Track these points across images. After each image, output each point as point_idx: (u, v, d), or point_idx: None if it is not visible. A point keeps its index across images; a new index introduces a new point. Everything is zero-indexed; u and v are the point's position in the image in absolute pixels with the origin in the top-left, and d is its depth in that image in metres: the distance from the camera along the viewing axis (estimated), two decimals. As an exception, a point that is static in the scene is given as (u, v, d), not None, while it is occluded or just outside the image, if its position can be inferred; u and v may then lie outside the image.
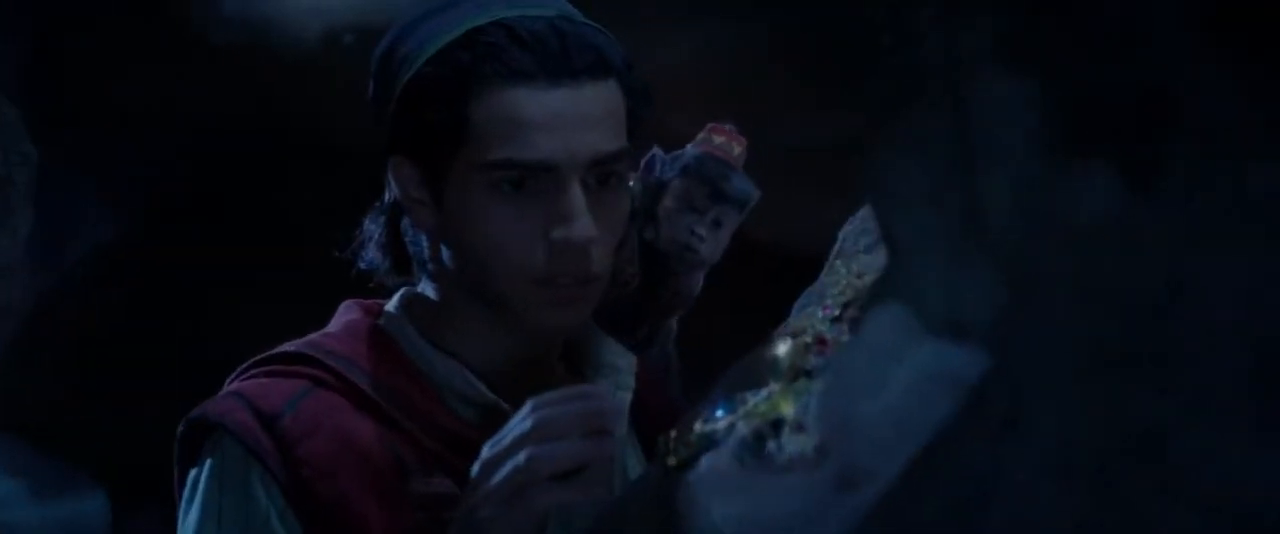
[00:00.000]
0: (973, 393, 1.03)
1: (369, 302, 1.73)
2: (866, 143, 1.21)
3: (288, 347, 1.64)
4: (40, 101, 3.68)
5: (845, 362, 1.26)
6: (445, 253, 1.62)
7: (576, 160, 1.53)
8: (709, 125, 1.85)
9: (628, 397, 1.71)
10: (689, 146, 1.87)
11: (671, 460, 1.48)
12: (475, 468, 1.47)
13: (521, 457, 1.42)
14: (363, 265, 1.71)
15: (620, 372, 1.72)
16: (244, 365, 1.66)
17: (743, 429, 1.33)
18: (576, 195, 1.54)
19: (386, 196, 1.68)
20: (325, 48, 3.62)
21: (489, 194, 1.54)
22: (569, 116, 1.52)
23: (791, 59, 3.49)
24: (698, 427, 1.49)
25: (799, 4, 3.25)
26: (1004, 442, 0.96)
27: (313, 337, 1.66)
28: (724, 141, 1.82)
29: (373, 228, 1.70)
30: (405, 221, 1.67)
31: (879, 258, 1.70)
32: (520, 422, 1.44)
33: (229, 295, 3.81)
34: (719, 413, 1.49)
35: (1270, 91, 0.90)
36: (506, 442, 1.44)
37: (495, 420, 1.60)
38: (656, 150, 1.84)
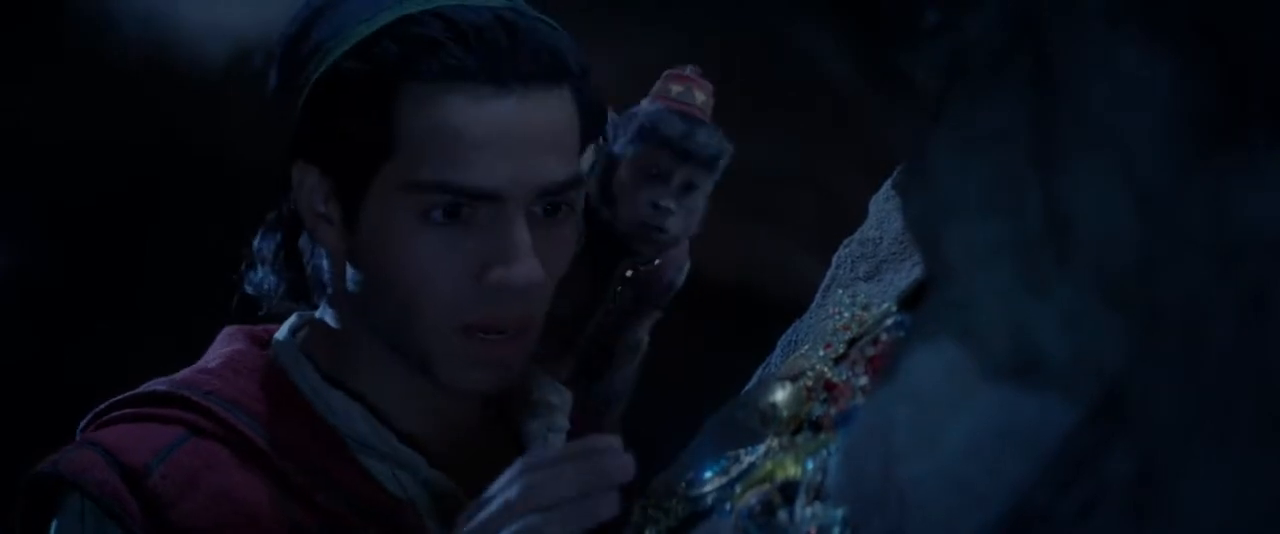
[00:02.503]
0: (1073, 460, 0.79)
1: (256, 328, 1.45)
2: (902, 139, 0.98)
3: (156, 384, 1.37)
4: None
5: (879, 412, 1.02)
6: (353, 282, 1.35)
7: (524, 189, 1.28)
8: (666, 73, 1.55)
9: (561, 439, 1.44)
10: (643, 102, 1.57)
11: (650, 532, 1.24)
12: None
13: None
14: (250, 289, 1.42)
15: (554, 410, 1.46)
16: (102, 406, 1.37)
17: (750, 497, 1.09)
18: (521, 231, 1.29)
19: (283, 207, 1.40)
20: (232, 69, 3.39)
21: (415, 220, 1.28)
22: (517, 133, 1.27)
23: (726, 80, 3.29)
24: (681, 490, 1.26)
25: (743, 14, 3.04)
26: (1136, 529, 0.72)
27: (186, 372, 1.38)
28: (684, 90, 1.52)
29: (265, 245, 1.42)
30: (304, 238, 1.40)
31: (884, 285, 1.49)
32: (506, 485, 1.16)
33: (128, 327, 3.57)
34: (707, 473, 1.26)
35: None
36: (492, 510, 1.15)
37: (412, 479, 1.36)
38: (610, 114, 1.53)
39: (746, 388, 1.52)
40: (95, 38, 3.50)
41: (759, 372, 1.57)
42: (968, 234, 0.93)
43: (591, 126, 1.36)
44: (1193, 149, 0.73)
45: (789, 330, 1.54)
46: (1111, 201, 0.79)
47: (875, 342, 1.25)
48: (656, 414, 1.77)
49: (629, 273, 1.56)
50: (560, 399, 1.47)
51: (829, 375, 1.25)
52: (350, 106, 1.28)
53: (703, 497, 1.22)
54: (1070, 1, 0.80)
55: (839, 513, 1.01)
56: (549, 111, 1.29)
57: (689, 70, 1.53)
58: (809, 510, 1.04)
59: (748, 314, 1.63)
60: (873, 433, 1.02)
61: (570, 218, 1.34)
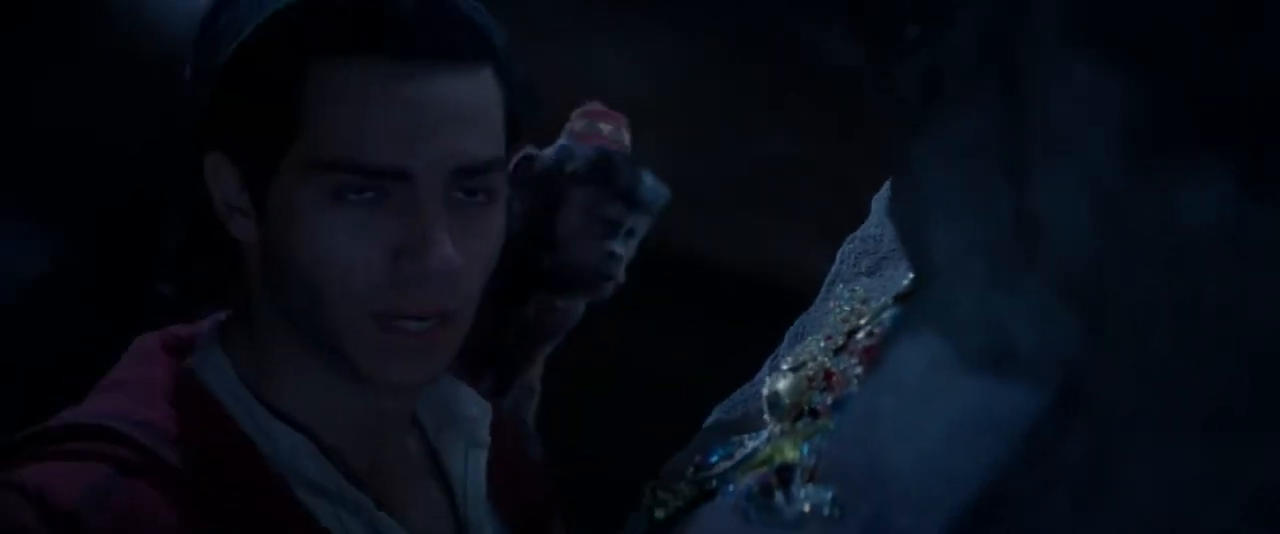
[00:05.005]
0: (1037, 444, 0.86)
1: (171, 334, 1.30)
2: (890, 146, 1.05)
3: (76, 415, 1.22)
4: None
5: (867, 401, 1.09)
6: (268, 274, 1.23)
7: (436, 169, 1.18)
8: (582, 109, 1.48)
9: (484, 455, 1.34)
10: (571, 141, 1.49)
11: (660, 513, 1.32)
12: None
13: None
14: (166, 292, 1.29)
15: (474, 423, 1.35)
16: (17, 438, 1.21)
17: (749, 478, 1.17)
18: (436, 214, 1.18)
19: (191, 203, 1.26)
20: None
21: (323, 201, 1.18)
22: (428, 109, 1.17)
23: (737, 75, 3.34)
24: (688, 473, 1.34)
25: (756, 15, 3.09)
26: (1086, 508, 0.80)
27: (105, 400, 1.24)
28: (613, 129, 1.48)
29: (174, 243, 1.30)
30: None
31: (884, 281, 1.55)
32: None
33: (131, 329, 3.60)
34: (713, 458, 1.33)
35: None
36: None
37: (358, 521, 1.22)
38: (530, 149, 1.46)
39: (754, 377, 1.59)
40: (109, 36, 3.55)
41: (767, 362, 1.64)
42: (947, 235, 1.00)
43: (519, 110, 1.25)
44: (1140, 159, 0.80)
45: (795, 324, 1.61)
46: (1072, 206, 0.86)
47: (871, 333, 1.32)
48: (669, 402, 1.83)
49: (536, 311, 1.53)
50: (479, 410, 1.37)
51: (829, 365, 1.33)
52: (258, 85, 1.19)
53: (709, 479, 1.30)
54: (1030, 19, 0.87)
55: (830, 493, 1.08)
56: (465, 89, 1.20)
57: (599, 106, 1.49)
58: (802, 492, 1.11)
59: (758, 306, 1.68)
60: (860, 420, 1.09)
61: (493, 203, 1.23)
